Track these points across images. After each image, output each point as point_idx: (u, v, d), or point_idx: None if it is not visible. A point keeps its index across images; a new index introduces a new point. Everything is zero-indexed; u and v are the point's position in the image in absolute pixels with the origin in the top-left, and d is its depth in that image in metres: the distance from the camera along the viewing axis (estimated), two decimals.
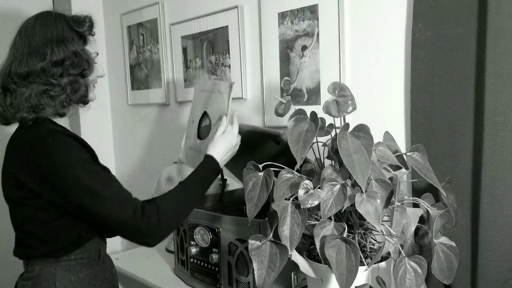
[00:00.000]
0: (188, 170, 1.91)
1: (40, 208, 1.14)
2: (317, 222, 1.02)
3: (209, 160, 1.28)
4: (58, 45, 1.16)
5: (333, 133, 1.14)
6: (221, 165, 1.30)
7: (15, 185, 1.15)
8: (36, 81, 1.14)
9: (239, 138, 1.34)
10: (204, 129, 1.50)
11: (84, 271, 1.20)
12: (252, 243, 1.03)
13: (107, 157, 2.63)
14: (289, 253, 0.99)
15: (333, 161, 1.13)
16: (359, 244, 1.09)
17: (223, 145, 1.30)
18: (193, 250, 1.49)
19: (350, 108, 1.04)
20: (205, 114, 1.48)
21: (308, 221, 1.02)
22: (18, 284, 1.22)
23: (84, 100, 1.23)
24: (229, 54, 1.88)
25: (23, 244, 1.21)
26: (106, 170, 1.21)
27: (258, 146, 1.43)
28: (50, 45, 1.15)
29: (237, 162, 1.37)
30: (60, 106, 1.17)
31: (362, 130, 1.03)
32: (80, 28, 1.21)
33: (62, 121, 1.23)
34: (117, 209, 1.09)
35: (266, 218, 1.15)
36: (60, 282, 1.17)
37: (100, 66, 1.28)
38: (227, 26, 1.87)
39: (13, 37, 1.21)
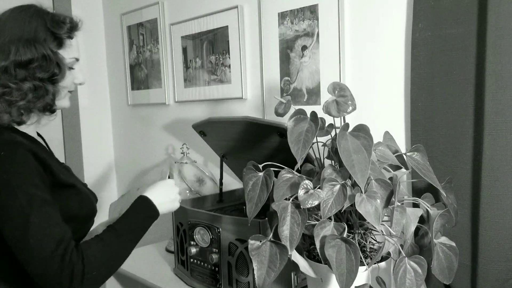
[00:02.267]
0: (188, 170, 1.92)
1: None
2: (317, 222, 1.02)
3: (143, 201, 1.13)
4: (26, 44, 1.04)
5: (333, 133, 1.14)
6: (159, 209, 1.15)
7: None
8: None
9: (179, 196, 1.23)
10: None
11: None
12: (252, 243, 1.03)
13: (107, 157, 2.64)
14: (289, 253, 0.99)
15: (333, 161, 1.13)
16: (359, 244, 1.09)
17: (161, 188, 1.18)
18: (193, 250, 1.49)
19: (350, 108, 1.04)
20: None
21: (308, 221, 1.02)
22: None
23: (50, 109, 1.10)
24: (229, 54, 1.88)
25: None
26: (70, 186, 1.10)
27: (260, 139, 1.43)
28: (16, 43, 1.03)
29: (238, 156, 1.37)
30: (17, 114, 1.05)
31: (362, 130, 1.03)
32: (57, 29, 1.08)
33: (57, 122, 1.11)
34: (39, 246, 0.93)
35: (266, 218, 1.15)
36: None
37: (80, 73, 1.16)
38: (227, 26, 1.87)
39: None
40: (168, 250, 1.87)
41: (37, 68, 1.05)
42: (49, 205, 0.98)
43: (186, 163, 1.88)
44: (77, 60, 1.15)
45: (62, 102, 1.14)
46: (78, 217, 1.11)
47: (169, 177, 1.77)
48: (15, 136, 1.05)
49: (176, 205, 1.23)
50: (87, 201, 1.17)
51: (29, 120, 1.10)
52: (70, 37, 1.13)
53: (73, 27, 1.13)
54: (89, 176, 2.51)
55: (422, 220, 1.14)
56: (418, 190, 1.29)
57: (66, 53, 1.11)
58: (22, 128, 1.11)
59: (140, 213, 1.12)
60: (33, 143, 1.10)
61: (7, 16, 1.08)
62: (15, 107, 1.04)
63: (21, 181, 0.97)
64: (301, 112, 1.09)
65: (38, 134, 1.21)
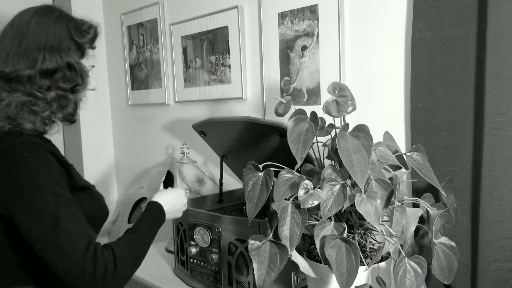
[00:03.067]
0: (188, 171, 1.92)
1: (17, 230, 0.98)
2: (317, 222, 1.02)
3: (157, 206, 1.20)
4: (51, 53, 1.01)
5: (333, 133, 1.14)
6: (166, 212, 1.21)
7: None
8: (19, 89, 1.01)
9: (185, 200, 1.31)
10: (137, 213, 1.52)
11: None
12: (252, 243, 1.03)
13: (107, 157, 2.64)
14: (289, 253, 0.99)
15: (333, 161, 1.13)
16: (359, 244, 1.09)
17: (168, 196, 1.25)
18: (193, 250, 1.49)
19: (350, 108, 1.04)
20: (143, 199, 1.50)
21: (308, 221, 1.02)
22: None
23: (70, 119, 1.09)
24: (229, 54, 1.88)
25: (5, 271, 1.05)
26: (85, 188, 1.11)
27: (260, 139, 1.43)
28: (42, 51, 1.01)
29: (238, 156, 1.37)
30: (41, 123, 1.03)
31: (361, 130, 1.03)
32: (81, 38, 1.06)
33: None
34: (72, 244, 0.93)
35: (266, 218, 1.15)
36: None
37: (93, 79, 1.14)
38: (227, 26, 1.87)
39: (4, 26, 1.06)
40: (168, 250, 1.87)
41: (61, 78, 1.03)
42: (74, 205, 0.99)
43: (186, 163, 1.88)
44: (93, 67, 1.13)
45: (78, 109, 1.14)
46: (92, 219, 1.09)
47: (168, 179, 1.78)
48: (35, 138, 1.04)
49: (179, 215, 1.31)
50: (100, 203, 1.18)
51: (51, 130, 1.09)
52: (93, 48, 1.11)
53: (96, 37, 1.11)
54: (89, 176, 2.51)
55: (422, 220, 1.14)
56: (418, 190, 1.29)
57: (86, 62, 1.10)
58: None
59: (155, 218, 1.18)
60: (50, 144, 1.10)
61: (28, 18, 1.04)
62: (39, 117, 1.03)
63: (46, 181, 0.96)
64: (301, 112, 1.09)
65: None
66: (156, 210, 1.20)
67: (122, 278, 0.99)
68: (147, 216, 1.17)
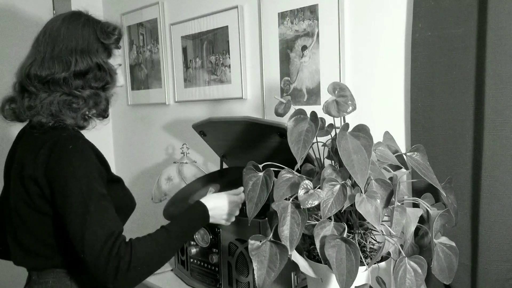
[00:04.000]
0: (188, 171, 1.92)
1: (56, 215, 1.07)
2: (317, 222, 1.02)
3: (199, 205, 1.22)
4: (82, 55, 1.11)
5: (333, 133, 1.14)
6: (211, 218, 1.24)
7: (31, 188, 1.08)
8: (57, 90, 1.10)
9: (235, 211, 1.30)
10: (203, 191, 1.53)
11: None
12: (252, 243, 1.03)
13: (107, 157, 2.63)
14: (289, 253, 0.99)
15: (333, 161, 1.13)
16: (359, 244, 1.09)
17: (217, 200, 1.25)
18: (193, 250, 1.49)
19: (350, 108, 1.04)
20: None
21: (308, 221, 1.02)
22: None
23: (104, 114, 1.19)
24: (229, 54, 1.88)
25: (34, 254, 1.12)
26: (117, 181, 1.20)
27: (260, 139, 1.43)
28: (74, 55, 1.11)
29: (238, 156, 1.37)
30: (81, 119, 1.14)
31: (362, 130, 1.03)
32: (107, 40, 1.16)
33: None
34: (94, 235, 0.99)
35: (266, 218, 1.15)
36: None
37: (121, 76, 1.23)
38: (227, 26, 1.87)
39: (37, 34, 1.16)
40: None
41: (92, 77, 1.13)
42: (106, 199, 1.06)
43: (186, 163, 1.88)
44: (120, 65, 1.22)
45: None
46: (121, 210, 1.17)
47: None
48: (77, 132, 1.15)
49: (222, 222, 1.28)
50: (129, 195, 1.26)
51: (89, 126, 1.19)
52: (118, 48, 1.20)
53: (120, 37, 1.20)
54: None
55: (422, 220, 1.14)
56: (418, 190, 1.29)
57: (113, 61, 1.19)
58: None
59: (194, 220, 1.19)
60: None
61: (58, 25, 1.14)
62: (79, 113, 1.13)
63: (85, 173, 1.05)
64: (301, 112, 1.09)
65: None
66: (197, 212, 1.22)
67: (136, 276, 1.02)
68: (186, 217, 1.19)
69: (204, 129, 1.62)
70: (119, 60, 1.22)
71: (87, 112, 1.15)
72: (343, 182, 1.01)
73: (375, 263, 1.06)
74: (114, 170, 2.66)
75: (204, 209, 1.22)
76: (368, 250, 1.13)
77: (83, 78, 1.12)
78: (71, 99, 1.11)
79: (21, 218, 1.12)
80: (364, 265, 1.04)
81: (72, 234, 1.02)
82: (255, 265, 1.01)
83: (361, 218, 1.08)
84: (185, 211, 1.21)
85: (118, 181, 1.22)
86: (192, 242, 1.49)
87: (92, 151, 1.10)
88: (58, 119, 1.10)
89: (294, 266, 1.09)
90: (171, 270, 1.67)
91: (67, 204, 1.02)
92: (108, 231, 1.01)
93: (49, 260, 1.12)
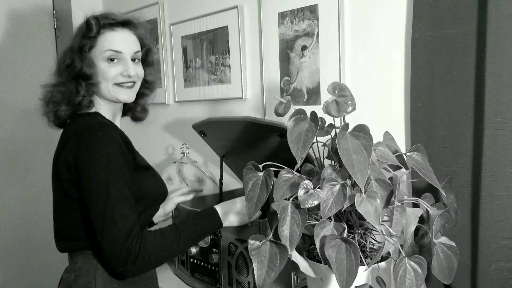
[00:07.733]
0: (188, 171, 1.92)
1: (81, 199, 1.14)
2: (317, 222, 1.01)
3: (209, 210, 1.28)
4: (67, 52, 1.24)
5: (333, 133, 1.14)
6: (223, 219, 1.28)
7: (64, 173, 1.15)
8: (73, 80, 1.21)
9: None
10: None
11: None
12: (252, 243, 1.03)
13: None
14: (289, 253, 0.99)
15: (333, 161, 1.13)
16: (359, 244, 1.09)
17: (233, 204, 1.29)
18: (193, 250, 1.49)
19: (350, 108, 1.03)
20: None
21: (308, 221, 1.02)
22: (63, 277, 1.23)
23: (86, 103, 1.23)
24: (229, 54, 1.88)
25: (67, 237, 1.21)
26: (147, 168, 1.24)
27: (260, 139, 1.43)
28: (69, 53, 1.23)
29: (238, 156, 1.37)
30: (87, 102, 1.22)
31: (361, 130, 1.03)
32: (87, 33, 1.23)
33: None
34: (112, 222, 1.07)
35: (266, 218, 1.15)
36: (100, 276, 1.17)
37: (127, 65, 1.23)
38: (227, 26, 1.87)
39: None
40: None
41: (71, 69, 1.20)
42: (128, 188, 1.12)
43: (186, 163, 1.88)
44: (116, 52, 1.22)
45: (117, 95, 1.24)
46: (151, 196, 1.26)
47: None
48: (107, 120, 1.22)
49: (242, 220, 1.30)
50: (160, 182, 1.32)
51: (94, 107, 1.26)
52: (98, 33, 1.22)
53: (89, 23, 1.23)
54: None
55: (422, 220, 1.13)
56: (418, 190, 1.29)
57: (100, 47, 1.21)
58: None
59: (202, 222, 1.24)
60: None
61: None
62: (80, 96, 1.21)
63: (111, 160, 1.10)
64: (301, 112, 1.09)
65: None
66: (207, 215, 1.26)
67: (143, 264, 1.09)
68: (196, 218, 1.24)
69: (204, 129, 1.62)
70: (110, 46, 1.22)
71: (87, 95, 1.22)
72: (343, 182, 1.01)
73: (375, 263, 1.05)
74: None
75: (213, 210, 1.27)
76: (368, 250, 1.12)
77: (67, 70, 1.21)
78: (74, 86, 1.21)
79: (56, 202, 1.22)
80: (364, 265, 1.04)
81: (93, 219, 1.09)
82: (255, 265, 1.01)
83: (361, 218, 1.08)
84: (197, 213, 1.27)
85: (147, 168, 1.26)
86: None
87: (121, 137, 1.15)
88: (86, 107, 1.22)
89: (294, 266, 1.09)
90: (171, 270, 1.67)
91: (90, 189, 1.09)
92: (127, 219, 1.08)
93: (78, 242, 1.18)
